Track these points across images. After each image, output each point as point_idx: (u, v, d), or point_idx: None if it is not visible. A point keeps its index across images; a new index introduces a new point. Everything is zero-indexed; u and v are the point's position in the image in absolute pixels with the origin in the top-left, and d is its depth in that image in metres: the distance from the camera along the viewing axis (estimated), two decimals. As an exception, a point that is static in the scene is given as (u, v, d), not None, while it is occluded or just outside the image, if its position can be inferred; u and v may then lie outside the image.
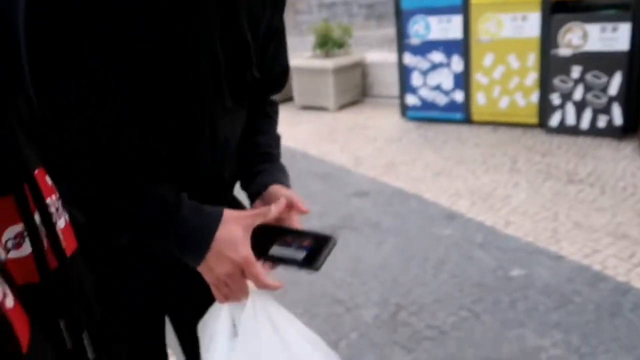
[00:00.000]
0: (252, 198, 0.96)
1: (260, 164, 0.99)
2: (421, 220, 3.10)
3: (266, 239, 0.86)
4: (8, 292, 0.33)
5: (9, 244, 0.37)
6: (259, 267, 0.82)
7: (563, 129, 4.23)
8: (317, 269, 0.82)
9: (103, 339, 0.50)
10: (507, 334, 2.10)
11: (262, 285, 0.83)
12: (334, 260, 2.72)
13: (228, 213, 0.82)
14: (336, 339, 2.15)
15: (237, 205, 1.01)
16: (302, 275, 2.47)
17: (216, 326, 0.89)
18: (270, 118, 1.06)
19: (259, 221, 0.85)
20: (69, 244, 0.45)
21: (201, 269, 0.82)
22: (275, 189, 0.93)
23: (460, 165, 3.85)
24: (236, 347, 0.86)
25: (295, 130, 5.02)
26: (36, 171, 0.42)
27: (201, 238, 0.79)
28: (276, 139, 1.05)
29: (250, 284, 0.85)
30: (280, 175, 0.97)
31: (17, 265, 0.37)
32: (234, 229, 0.80)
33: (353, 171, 3.96)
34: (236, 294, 0.84)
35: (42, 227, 0.40)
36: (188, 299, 0.99)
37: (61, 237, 0.43)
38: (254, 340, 0.85)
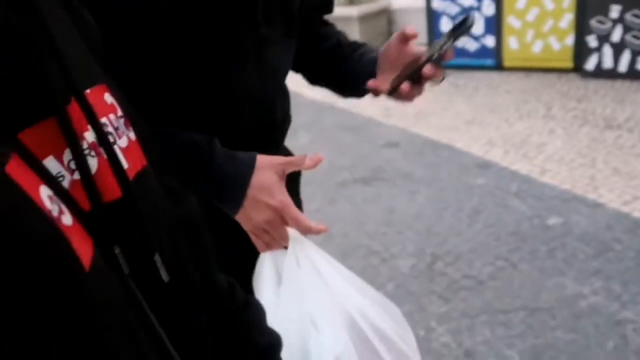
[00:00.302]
0: (366, 76, 0.93)
1: (357, 49, 0.98)
2: (454, 170, 3.07)
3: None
4: (65, 210, 0.33)
5: (72, 165, 0.36)
6: (298, 210, 0.81)
7: (600, 73, 4.08)
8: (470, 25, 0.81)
9: (179, 263, 0.49)
10: (545, 283, 2.10)
11: (304, 228, 0.82)
12: (367, 212, 2.73)
13: (262, 158, 0.80)
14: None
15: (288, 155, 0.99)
16: (336, 229, 2.49)
17: (261, 276, 0.89)
18: (332, 26, 1.04)
19: (292, 168, 0.83)
20: (134, 164, 0.44)
21: (239, 217, 0.81)
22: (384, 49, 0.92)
23: (493, 113, 3.77)
24: (281, 294, 0.86)
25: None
26: (91, 89, 0.41)
27: (236, 185, 0.78)
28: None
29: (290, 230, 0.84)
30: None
31: (80, 188, 0.37)
32: (268, 175, 0.79)
33: (383, 122, 3.91)
34: (277, 240, 0.83)
35: (100, 147, 0.39)
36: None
37: (122, 156, 0.42)
38: (297, 286, 0.85)
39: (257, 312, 0.65)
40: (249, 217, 0.80)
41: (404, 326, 0.93)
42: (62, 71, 0.37)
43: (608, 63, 4.03)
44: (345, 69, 0.99)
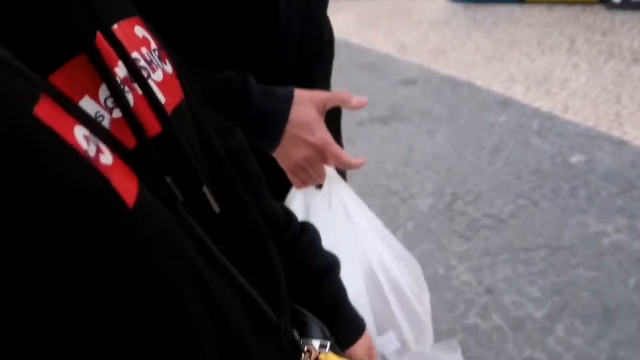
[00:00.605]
0: None
1: None
2: (474, 108, 3.00)
3: None
4: (105, 149, 0.31)
5: (109, 103, 0.35)
6: (339, 147, 0.78)
7: (627, 4, 3.89)
8: None
9: (230, 193, 0.48)
10: (567, 221, 2.08)
11: (345, 164, 0.80)
12: (386, 151, 2.69)
13: (300, 93, 0.77)
14: (393, 229, 2.17)
15: None
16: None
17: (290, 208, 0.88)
18: None
19: (334, 104, 0.80)
20: (172, 98, 0.42)
21: (277, 154, 0.78)
22: None
23: (513, 48, 3.64)
24: None
25: (334, 18, 4.77)
26: (119, 23, 0.40)
27: (275, 121, 0.75)
28: None
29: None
30: None
31: (121, 125, 0.35)
32: (308, 110, 0.76)
33: (399, 59, 3.80)
34: (313, 178, 0.81)
35: (133, 82, 0.37)
36: None
37: (157, 90, 0.40)
38: (325, 226, 0.81)
39: (313, 235, 0.66)
40: (287, 154, 0.77)
41: (422, 285, 0.93)
42: (84, 6, 0.35)
43: (636, -7, 3.85)
44: None
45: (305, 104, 0.76)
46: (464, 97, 3.15)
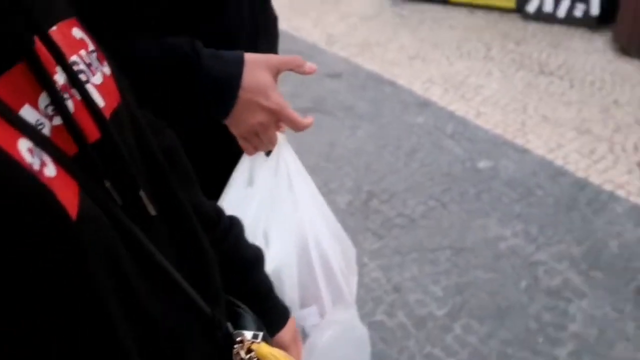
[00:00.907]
0: None
1: None
2: (395, 107, 3.12)
3: None
4: (48, 160, 0.32)
5: (49, 110, 0.35)
6: (293, 111, 0.78)
7: (539, 16, 4.16)
8: None
9: (166, 194, 0.49)
10: (471, 224, 2.25)
11: (300, 127, 0.79)
12: (308, 144, 2.75)
13: (252, 57, 0.75)
14: (311, 223, 2.24)
15: None
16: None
17: (234, 175, 0.86)
18: None
19: (287, 68, 0.79)
20: (110, 101, 0.43)
21: (229, 122, 0.76)
22: None
23: (435, 49, 3.79)
24: (250, 194, 0.85)
25: (265, 0, 4.74)
26: (57, 26, 0.39)
27: (227, 87, 0.73)
28: None
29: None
30: None
31: (62, 132, 0.36)
32: (261, 74, 0.74)
33: (326, 50, 3.85)
34: (265, 144, 0.80)
35: (72, 87, 0.38)
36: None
37: (97, 94, 0.41)
38: (268, 192, 0.83)
39: (240, 229, 0.68)
40: (241, 120, 0.75)
41: (352, 267, 0.95)
42: (20, 11, 0.34)
43: (548, 6, 4.11)
44: None
45: (259, 68, 0.74)
46: (386, 94, 3.26)
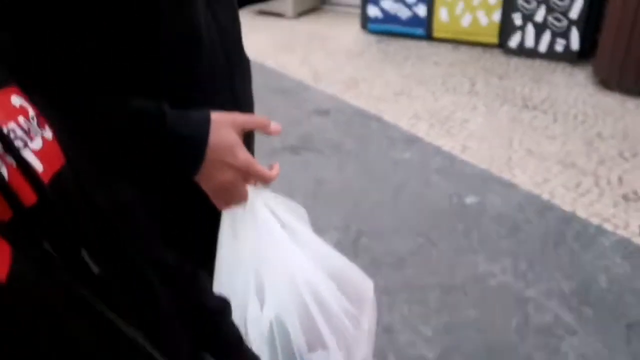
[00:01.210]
0: None
1: None
2: (382, 143, 3.14)
3: None
4: None
5: None
6: (261, 166, 0.80)
7: (521, 51, 4.25)
8: None
9: (114, 251, 0.50)
10: (460, 261, 2.24)
11: (269, 180, 0.81)
12: (296, 182, 2.75)
13: (218, 116, 0.76)
14: (299, 263, 2.23)
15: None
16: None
17: (220, 230, 0.86)
18: None
19: (252, 127, 0.81)
20: (50, 165, 0.44)
21: (199, 179, 0.77)
22: None
23: (420, 85, 3.85)
24: (237, 248, 0.85)
25: (252, 39, 4.80)
26: None
27: (194, 148, 0.74)
28: None
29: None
30: None
31: None
32: (227, 134, 0.76)
33: (313, 87, 3.89)
34: (236, 198, 0.82)
35: (7, 154, 0.39)
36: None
37: (35, 160, 0.42)
38: (252, 244, 0.84)
39: (204, 280, 0.68)
40: (209, 178, 0.77)
41: (363, 302, 0.93)
42: None
43: (530, 42, 4.21)
44: None
45: (224, 127, 0.75)
46: (373, 130, 3.29)
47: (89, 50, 0.70)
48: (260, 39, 4.84)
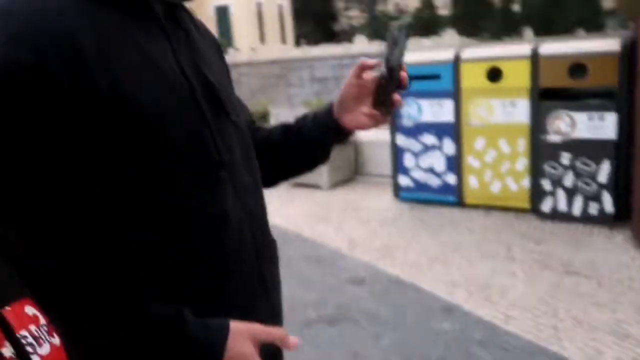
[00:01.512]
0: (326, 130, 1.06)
1: (302, 117, 1.09)
2: (419, 312, 3.05)
3: None
4: None
5: None
6: None
7: (555, 215, 4.27)
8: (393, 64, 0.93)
9: None
10: None
11: None
12: (333, 356, 2.64)
13: (236, 326, 0.79)
14: None
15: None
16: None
17: None
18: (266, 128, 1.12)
19: (269, 340, 0.82)
20: None
21: None
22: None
23: (455, 252, 3.84)
24: None
25: (288, 209, 5.02)
26: (13, 304, 0.46)
27: (210, 355, 0.76)
28: None
29: None
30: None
31: None
32: (243, 344, 0.78)
33: (348, 255, 3.93)
34: None
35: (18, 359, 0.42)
36: None
37: None
38: None
39: None
40: None
41: None
42: None
43: (562, 206, 4.24)
44: (300, 134, 1.08)
45: (242, 338, 0.78)
46: (409, 299, 3.22)
47: (128, 242, 0.76)
48: (296, 210, 5.04)
